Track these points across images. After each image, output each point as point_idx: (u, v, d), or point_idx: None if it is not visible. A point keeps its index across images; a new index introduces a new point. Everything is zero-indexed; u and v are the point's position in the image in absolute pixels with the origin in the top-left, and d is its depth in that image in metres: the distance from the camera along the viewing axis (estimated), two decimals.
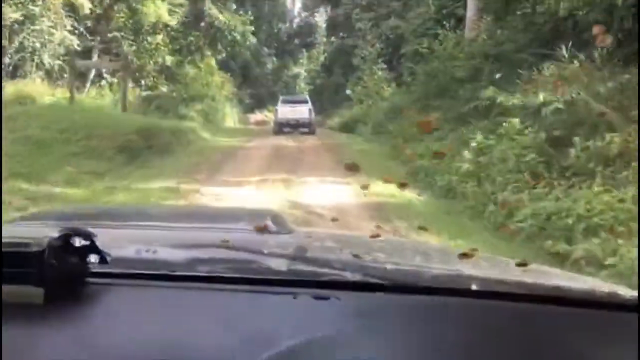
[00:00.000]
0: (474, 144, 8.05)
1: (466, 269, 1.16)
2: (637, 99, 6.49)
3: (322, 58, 49.54)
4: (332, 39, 45.41)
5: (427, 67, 15.77)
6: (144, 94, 23.02)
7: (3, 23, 13.63)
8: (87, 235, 0.89)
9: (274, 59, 51.77)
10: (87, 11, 16.37)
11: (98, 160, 8.74)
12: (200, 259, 1.08)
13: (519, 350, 0.79)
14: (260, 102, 48.31)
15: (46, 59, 14.58)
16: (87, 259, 0.89)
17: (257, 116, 46.77)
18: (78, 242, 0.87)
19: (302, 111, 23.38)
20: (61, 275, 0.82)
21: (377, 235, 1.43)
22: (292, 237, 1.42)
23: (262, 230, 1.34)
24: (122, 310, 0.86)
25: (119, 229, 1.40)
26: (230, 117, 28.47)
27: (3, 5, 13.38)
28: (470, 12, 17.67)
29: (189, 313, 0.85)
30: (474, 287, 0.97)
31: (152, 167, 9.40)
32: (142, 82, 23.35)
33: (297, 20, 54.31)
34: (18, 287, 0.78)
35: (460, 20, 18.29)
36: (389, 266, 1.16)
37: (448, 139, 10.67)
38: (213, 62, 25.94)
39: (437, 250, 1.72)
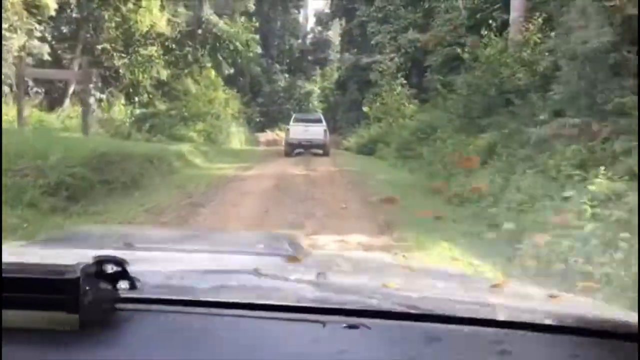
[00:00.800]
0: (592, 188, 4.77)
1: (496, 298, 1.17)
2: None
3: (335, 75, 47.34)
4: (347, 54, 43.09)
5: (468, 76, 12.65)
6: (138, 112, 20.16)
7: None
8: (119, 263, 0.90)
9: (286, 75, 49.42)
10: (53, 12, 13.53)
11: (10, 208, 5.74)
12: (229, 286, 1.07)
13: None
14: (272, 120, 46.08)
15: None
16: (118, 285, 0.89)
17: (267, 135, 44.29)
18: (110, 268, 0.88)
19: (316, 131, 20.79)
20: (95, 301, 0.83)
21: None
22: (311, 261, 1.47)
23: (295, 261, 1.39)
24: (151, 336, 0.86)
25: (139, 252, 1.40)
26: (237, 137, 25.43)
27: None
28: (516, 13, 14.64)
29: (217, 339, 0.86)
30: (500, 317, 0.95)
31: (91, 214, 6.37)
32: (136, 98, 20.52)
33: (310, 35, 52.09)
34: (53, 314, 0.79)
35: (503, 23, 15.27)
36: (416, 294, 1.09)
37: (517, 170, 7.48)
38: (214, 75, 23.00)
39: (468, 279, 1.68)
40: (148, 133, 19.15)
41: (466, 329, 0.89)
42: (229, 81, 33.42)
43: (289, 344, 0.84)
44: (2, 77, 12.05)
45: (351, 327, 0.87)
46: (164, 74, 18.49)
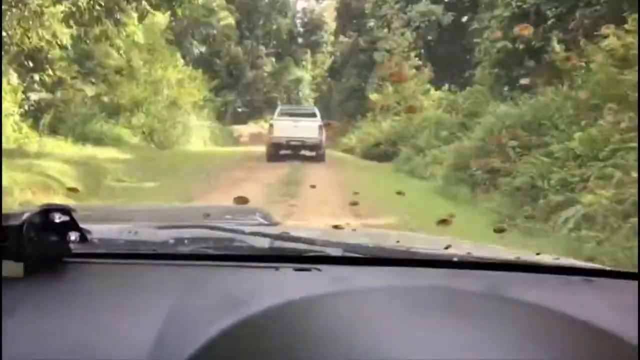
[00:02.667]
0: None
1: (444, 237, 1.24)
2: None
3: (328, 62, 40.65)
4: (342, 37, 36.27)
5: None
6: (34, 97, 12.92)
7: None
8: (67, 212, 0.85)
9: (273, 59, 42.50)
10: None
11: None
12: (183, 238, 1.04)
13: (511, 317, 0.74)
14: (256, 110, 39.09)
15: None
16: (67, 237, 0.85)
17: (250, 128, 37.26)
18: (57, 217, 0.84)
19: (309, 128, 15.44)
20: (41, 251, 0.81)
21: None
22: (278, 227, 1.41)
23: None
24: (100, 287, 0.84)
25: (109, 223, 1.33)
26: (199, 133, 18.08)
27: None
28: None
29: (170, 290, 0.82)
30: (454, 258, 0.97)
31: None
32: (36, 76, 13.26)
33: (300, 14, 45.10)
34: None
35: None
36: (370, 243, 1.14)
37: None
38: (162, 43, 15.68)
39: (423, 236, 1.76)
40: (52, 131, 12.03)
41: (416, 269, 0.92)
42: (202, 63, 26.39)
43: (241, 287, 0.83)
44: None
45: (302, 270, 0.88)
46: (64, 35, 11.20)
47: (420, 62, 21.17)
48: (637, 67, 5.70)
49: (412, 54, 22.87)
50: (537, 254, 1.12)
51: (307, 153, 15.38)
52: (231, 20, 23.54)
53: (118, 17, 10.27)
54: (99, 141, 12.01)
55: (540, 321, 0.72)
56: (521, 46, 11.13)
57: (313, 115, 16.52)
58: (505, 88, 11.56)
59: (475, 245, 1.24)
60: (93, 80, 14.19)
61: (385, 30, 25.08)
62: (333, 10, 39.52)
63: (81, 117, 12.58)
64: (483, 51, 13.27)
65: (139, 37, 14.62)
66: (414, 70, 20.18)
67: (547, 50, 9.33)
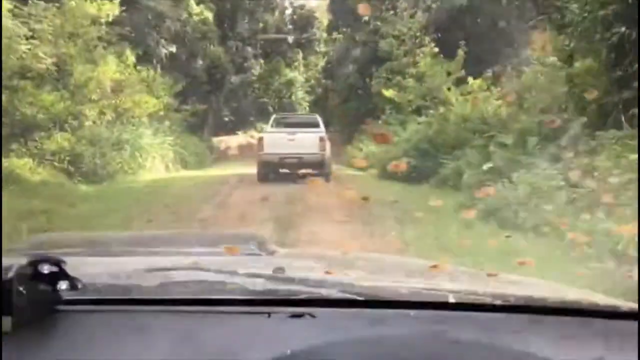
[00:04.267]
0: None
1: (437, 280, 1.15)
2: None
3: (322, 62, 36.54)
4: (336, 35, 32.24)
5: None
6: None
7: None
8: (56, 262, 0.83)
9: (261, 61, 38.17)
10: None
11: None
12: (173, 282, 1.00)
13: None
14: (243, 119, 34.57)
15: None
16: (57, 286, 0.83)
17: (239, 139, 32.61)
18: (47, 269, 0.82)
19: (308, 141, 12.23)
20: (30, 303, 0.78)
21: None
22: (274, 258, 1.36)
23: (232, 252, 1.31)
24: (92, 336, 0.82)
25: (92, 256, 1.30)
26: (156, 154, 13.10)
27: None
28: None
29: (160, 337, 0.81)
30: (451, 299, 0.93)
31: None
32: None
33: (288, 11, 40.82)
34: None
35: None
36: (365, 282, 1.08)
37: None
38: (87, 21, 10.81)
39: (414, 265, 1.64)
40: None
41: (411, 312, 0.88)
42: (175, 66, 21.69)
43: (230, 336, 0.81)
44: None
45: (296, 316, 0.85)
46: None
47: (436, 49, 16.48)
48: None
49: (427, 38, 18.21)
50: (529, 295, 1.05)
51: (308, 171, 11.94)
52: (208, 15, 19.01)
53: None
54: None
55: None
56: None
57: (314, 124, 13.26)
58: None
59: (468, 278, 1.24)
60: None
61: (392, 12, 20.36)
62: (325, 4, 35.15)
63: None
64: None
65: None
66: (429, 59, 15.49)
67: None
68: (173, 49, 22.01)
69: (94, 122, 10.68)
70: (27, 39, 10.77)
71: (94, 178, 9.86)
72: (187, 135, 16.78)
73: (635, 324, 0.80)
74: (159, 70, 17.60)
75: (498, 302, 0.91)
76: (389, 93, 14.59)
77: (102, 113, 11.03)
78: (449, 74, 13.06)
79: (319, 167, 12.03)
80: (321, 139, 12.28)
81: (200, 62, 25.93)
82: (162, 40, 21.89)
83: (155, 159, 12.76)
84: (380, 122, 15.77)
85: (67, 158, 9.43)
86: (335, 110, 27.83)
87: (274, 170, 12.31)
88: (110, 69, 11.30)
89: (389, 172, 11.60)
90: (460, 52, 12.95)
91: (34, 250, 1.05)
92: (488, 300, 0.92)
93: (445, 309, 0.88)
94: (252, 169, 13.30)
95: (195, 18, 22.44)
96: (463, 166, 8.30)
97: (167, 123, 14.04)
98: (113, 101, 11.42)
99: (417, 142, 11.18)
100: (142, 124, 12.73)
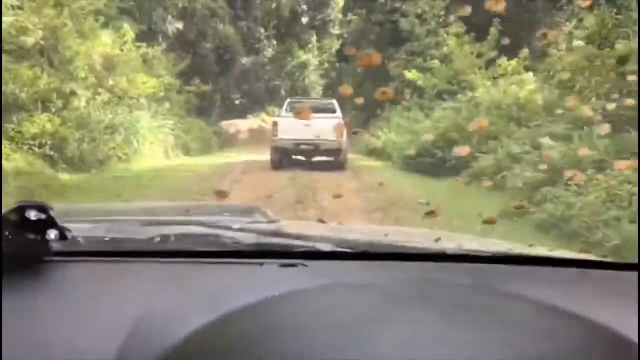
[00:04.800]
0: None
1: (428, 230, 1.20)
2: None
3: (336, 45, 35.04)
4: (351, 16, 30.73)
5: None
6: None
7: None
8: (44, 209, 0.79)
9: (274, 42, 36.96)
10: None
11: None
12: (168, 235, 0.99)
13: (500, 310, 0.70)
14: (255, 102, 33.36)
15: None
16: (46, 235, 0.80)
17: (250, 123, 31.36)
18: (34, 215, 0.79)
19: (325, 127, 11.32)
20: (19, 249, 0.77)
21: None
22: (274, 224, 1.31)
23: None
24: (80, 287, 0.80)
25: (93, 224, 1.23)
26: (154, 139, 11.89)
27: None
28: None
29: (152, 287, 0.79)
30: (446, 251, 0.93)
31: None
32: None
33: None
34: None
35: None
36: (360, 238, 1.09)
37: None
38: None
39: (413, 230, 1.63)
40: None
41: (403, 263, 0.87)
42: (184, 46, 20.52)
43: (223, 284, 0.79)
44: None
45: (288, 265, 0.84)
46: None
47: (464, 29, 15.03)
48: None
49: (452, 17, 16.74)
50: (530, 245, 1.10)
51: (323, 158, 11.55)
52: None
53: None
54: None
55: (530, 314, 0.69)
56: None
57: (331, 109, 12.39)
58: None
59: (467, 238, 1.19)
60: None
61: None
62: None
63: None
64: None
65: None
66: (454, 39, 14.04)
67: None
68: (180, 25, 20.81)
69: (85, 103, 9.50)
70: (13, 9, 9.65)
71: (80, 166, 8.72)
72: (192, 118, 15.55)
73: (635, 274, 0.80)
74: (163, 47, 16.44)
75: (491, 254, 0.92)
76: (411, 75, 13.22)
77: (95, 93, 9.85)
78: (479, 55, 11.69)
79: (335, 155, 11.49)
80: (338, 125, 11.52)
81: (209, 41, 24.71)
82: (169, 17, 20.70)
83: (153, 145, 11.57)
84: (399, 107, 14.41)
85: (50, 142, 8.29)
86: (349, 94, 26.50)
87: (288, 157, 11.62)
88: (100, 42, 10.10)
89: (409, 164, 10.31)
90: (493, 31, 11.52)
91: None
92: (487, 254, 0.92)
93: (441, 261, 0.87)
94: (261, 156, 12.19)
95: None
96: (504, 160, 6.99)
97: (167, 105, 12.82)
98: (105, 80, 10.21)
99: (443, 130, 9.87)
100: (140, 106, 11.53)
